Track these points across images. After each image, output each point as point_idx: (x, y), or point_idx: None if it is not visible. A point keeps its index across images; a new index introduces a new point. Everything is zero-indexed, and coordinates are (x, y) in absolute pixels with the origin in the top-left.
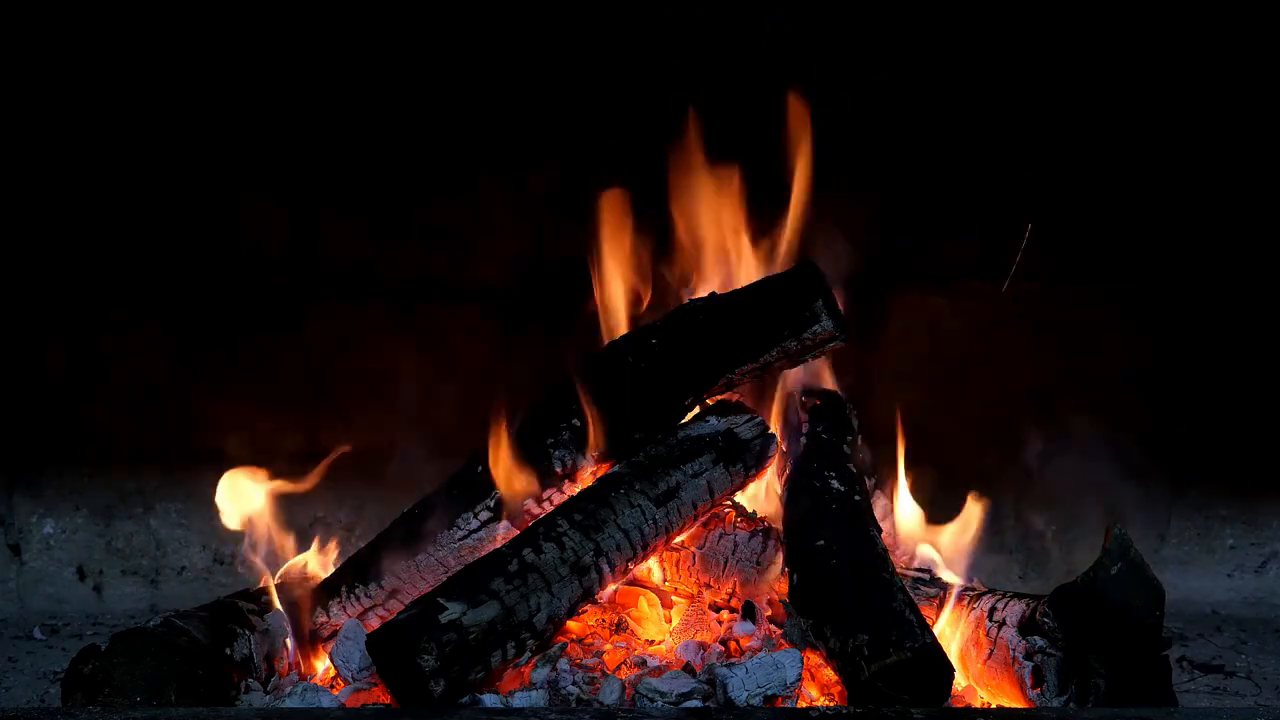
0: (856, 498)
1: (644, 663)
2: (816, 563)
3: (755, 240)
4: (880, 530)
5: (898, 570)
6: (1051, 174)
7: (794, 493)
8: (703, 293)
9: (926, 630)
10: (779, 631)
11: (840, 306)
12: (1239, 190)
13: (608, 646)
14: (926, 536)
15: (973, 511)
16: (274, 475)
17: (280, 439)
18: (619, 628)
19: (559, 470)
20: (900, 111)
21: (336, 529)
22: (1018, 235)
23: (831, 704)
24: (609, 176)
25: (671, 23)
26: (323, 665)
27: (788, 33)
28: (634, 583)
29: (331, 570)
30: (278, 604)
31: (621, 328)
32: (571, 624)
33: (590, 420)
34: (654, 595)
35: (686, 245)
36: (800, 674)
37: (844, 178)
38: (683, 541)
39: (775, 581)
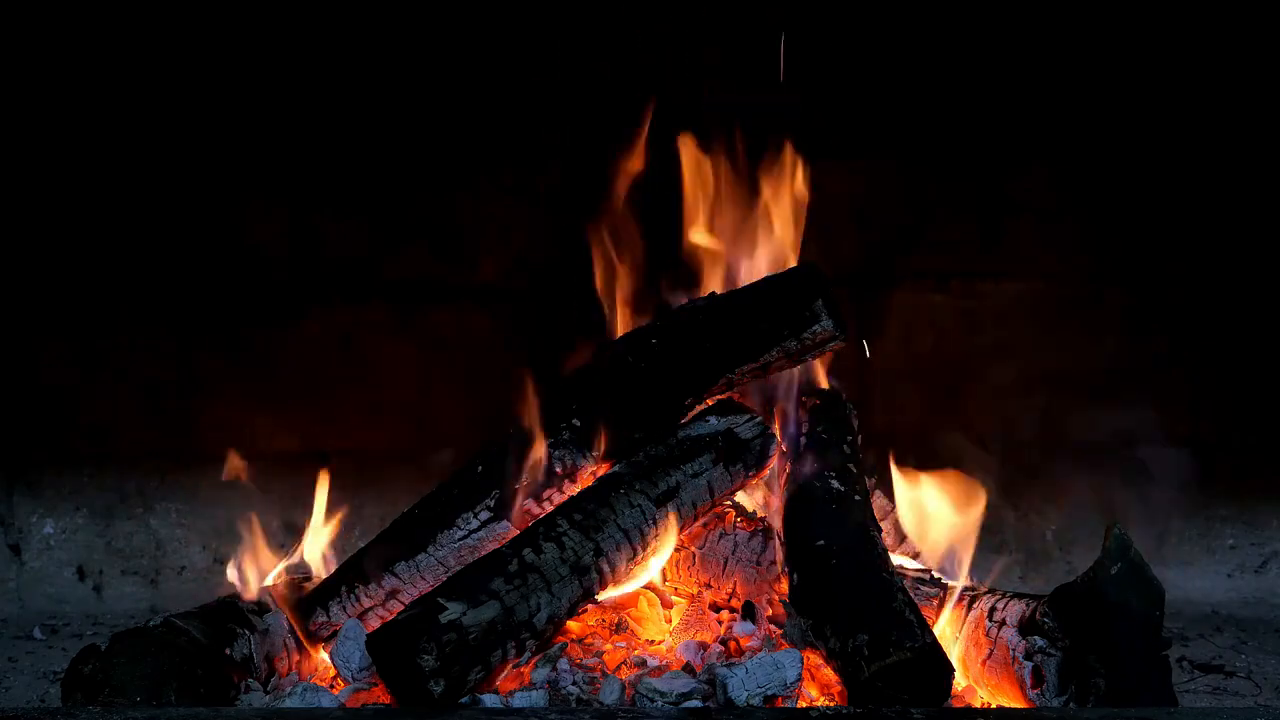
0: (856, 498)
1: (644, 663)
2: (816, 563)
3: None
4: (880, 530)
5: (897, 570)
6: (1050, 174)
7: (794, 492)
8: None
9: (926, 630)
10: (779, 631)
11: (839, 306)
12: (1240, 190)
13: (608, 646)
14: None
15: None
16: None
17: (280, 439)
18: (619, 628)
19: (559, 470)
20: (901, 111)
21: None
22: (1018, 235)
23: (831, 704)
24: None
25: (672, 25)
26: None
27: (787, 33)
28: None
29: (331, 570)
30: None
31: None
32: (571, 624)
33: (590, 420)
34: (654, 595)
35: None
36: (800, 674)
37: (845, 178)
38: (683, 541)
39: (775, 581)
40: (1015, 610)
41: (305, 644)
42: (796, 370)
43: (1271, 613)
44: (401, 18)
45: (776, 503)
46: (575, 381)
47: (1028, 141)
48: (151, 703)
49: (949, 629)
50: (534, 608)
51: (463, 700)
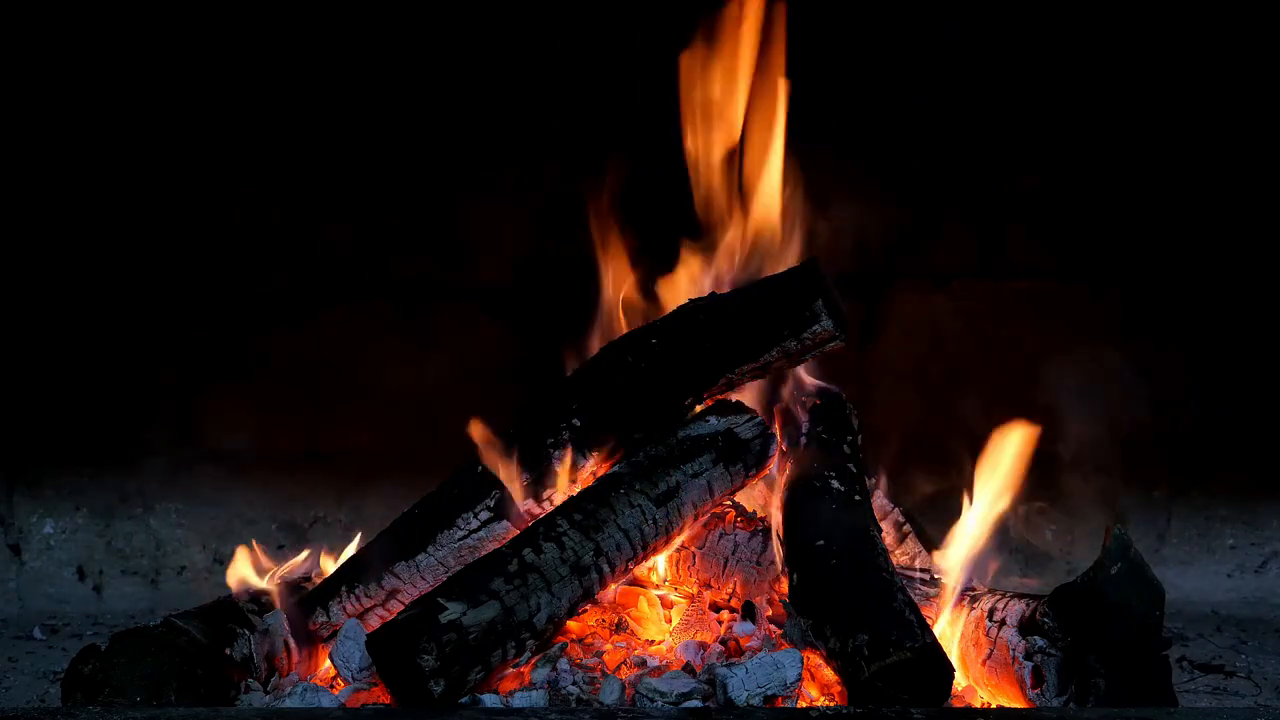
0: (856, 498)
1: (644, 663)
2: (816, 563)
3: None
4: (880, 530)
5: (897, 570)
6: (1050, 174)
7: (794, 493)
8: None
9: (926, 630)
10: (779, 631)
11: (840, 306)
12: (1240, 189)
13: (608, 646)
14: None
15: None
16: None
17: (280, 439)
18: (619, 628)
19: (559, 470)
20: (900, 111)
21: (337, 529)
22: (1018, 235)
23: (831, 704)
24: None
25: (671, 27)
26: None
27: (788, 31)
28: (634, 583)
29: (332, 570)
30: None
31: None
32: (571, 624)
33: (590, 420)
34: (654, 595)
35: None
36: (800, 674)
37: (845, 177)
38: (683, 541)
39: (775, 581)
40: (1015, 610)
41: (305, 644)
42: (797, 370)
43: (1271, 613)
44: (403, 20)
45: (776, 503)
46: (575, 381)
47: (1028, 141)
48: (151, 703)
49: (949, 629)
50: (534, 608)
51: (463, 700)
